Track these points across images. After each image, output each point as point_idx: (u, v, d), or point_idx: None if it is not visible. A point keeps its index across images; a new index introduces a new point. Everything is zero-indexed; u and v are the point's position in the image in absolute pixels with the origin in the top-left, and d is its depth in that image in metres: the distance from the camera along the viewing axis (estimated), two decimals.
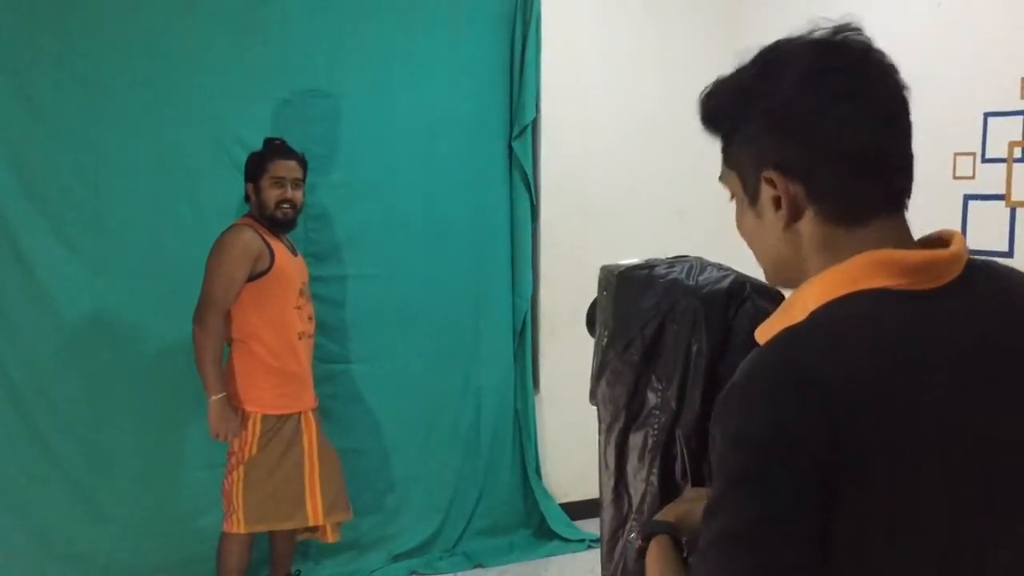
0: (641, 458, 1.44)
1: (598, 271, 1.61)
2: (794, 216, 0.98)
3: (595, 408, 1.58)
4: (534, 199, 4.23)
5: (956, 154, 3.50)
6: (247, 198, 3.29)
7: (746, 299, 1.41)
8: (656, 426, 1.41)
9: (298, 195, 3.28)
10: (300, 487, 3.22)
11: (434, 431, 4.06)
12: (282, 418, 3.21)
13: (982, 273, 0.98)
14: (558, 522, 4.24)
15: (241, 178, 3.33)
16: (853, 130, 0.94)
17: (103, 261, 3.43)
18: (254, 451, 3.16)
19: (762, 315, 1.24)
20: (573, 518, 4.30)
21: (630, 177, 4.48)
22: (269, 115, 3.64)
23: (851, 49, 0.97)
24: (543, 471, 4.35)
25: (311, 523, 3.26)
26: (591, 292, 1.81)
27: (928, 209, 3.79)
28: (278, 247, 3.22)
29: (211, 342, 3.09)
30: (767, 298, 1.40)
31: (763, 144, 0.98)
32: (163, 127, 3.49)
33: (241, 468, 3.16)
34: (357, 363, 3.90)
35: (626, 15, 4.48)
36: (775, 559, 0.83)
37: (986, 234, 3.42)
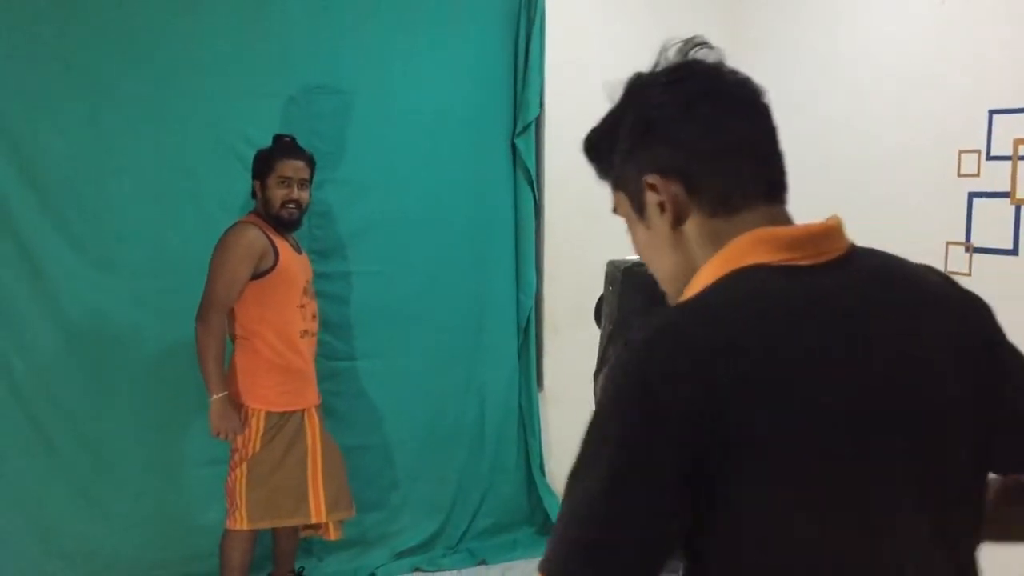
0: None
1: (605, 265, 1.60)
2: (679, 216, 1.05)
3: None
4: (537, 196, 4.23)
5: (961, 151, 3.49)
6: (254, 195, 3.29)
7: None
8: None
9: (304, 195, 3.28)
10: (303, 484, 3.22)
11: (438, 428, 4.06)
12: (285, 415, 3.21)
13: (864, 256, 1.04)
14: None
15: (246, 175, 3.33)
16: (717, 127, 1.03)
17: (107, 258, 3.44)
18: (257, 448, 3.16)
19: None
20: None
21: None
22: (274, 112, 3.64)
23: (702, 62, 1.07)
24: (547, 468, 4.35)
25: (313, 520, 3.26)
26: (594, 290, 1.79)
27: (932, 206, 3.78)
28: (283, 245, 3.22)
29: (213, 341, 3.09)
30: None
31: (640, 156, 1.06)
32: (167, 123, 3.49)
33: (244, 465, 3.16)
34: (361, 360, 3.90)
35: (628, 13, 4.47)
36: (627, 517, 0.89)
37: (991, 232, 3.41)
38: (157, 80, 3.46)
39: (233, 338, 3.22)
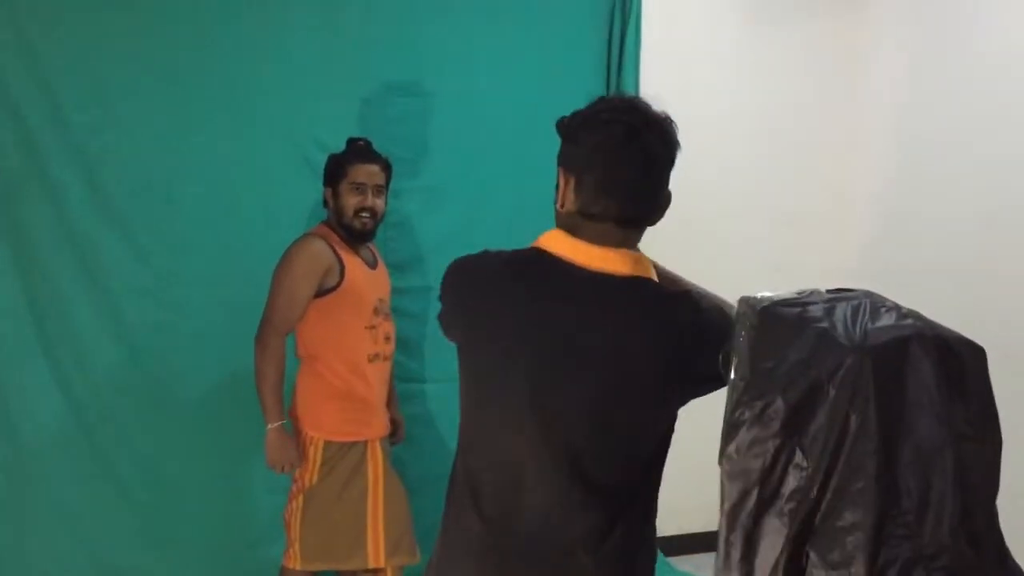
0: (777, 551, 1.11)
1: (737, 303, 1.28)
2: (562, 201, 1.53)
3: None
4: None
5: None
6: (325, 203, 3.05)
7: (913, 357, 1.06)
8: (798, 518, 1.08)
9: (379, 203, 3.02)
10: (361, 524, 2.94)
11: None
12: (345, 446, 2.95)
13: (626, 285, 1.48)
14: (660, 564, 3.89)
15: (317, 183, 3.10)
16: (600, 162, 1.48)
17: (171, 270, 3.23)
18: (314, 479, 2.92)
19: (944, 380, 0.97)
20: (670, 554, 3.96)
21: (736, 181, 4.19)
22: (347, 115, 3.39)
23: (621, 112, 1.50)
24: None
25: (371, 565, 2.95)
26: None
27: None
28: (351, 261, 2.96)
29: (271, 365, 2.86)
30: (950, 355, 1.06)
31: (562, 149, 1.55)
32: (234, 127, 3.26)
33: (301, 497, 2.93)
34: (438, 383, 3.59)
35: (732, 7, 4.15)
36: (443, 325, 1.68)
37: None
38: (224, 82, 3.24)
39: (299, 357, 2.99)
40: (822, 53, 4.29)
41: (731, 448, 1.14)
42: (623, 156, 1.46)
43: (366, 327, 2.96)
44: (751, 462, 1.12)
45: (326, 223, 3.03)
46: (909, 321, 1.09)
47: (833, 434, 1.06)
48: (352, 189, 2.96)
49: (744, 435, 1.12)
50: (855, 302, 1.14)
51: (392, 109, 3.49)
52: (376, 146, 3.12)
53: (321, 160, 3.11)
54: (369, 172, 3.00)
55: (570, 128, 1.52)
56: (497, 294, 1.53)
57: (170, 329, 3.24)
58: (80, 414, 3.15)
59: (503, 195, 3.65)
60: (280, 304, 2.87)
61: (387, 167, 3.08)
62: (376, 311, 3.01)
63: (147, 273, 3.21)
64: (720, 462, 1.17)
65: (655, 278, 1.53)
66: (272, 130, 3.31)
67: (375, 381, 3.02)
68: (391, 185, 3.15)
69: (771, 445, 1.10)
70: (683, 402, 1.48)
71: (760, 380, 1.13)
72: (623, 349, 1.42)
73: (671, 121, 1.53)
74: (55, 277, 3.11)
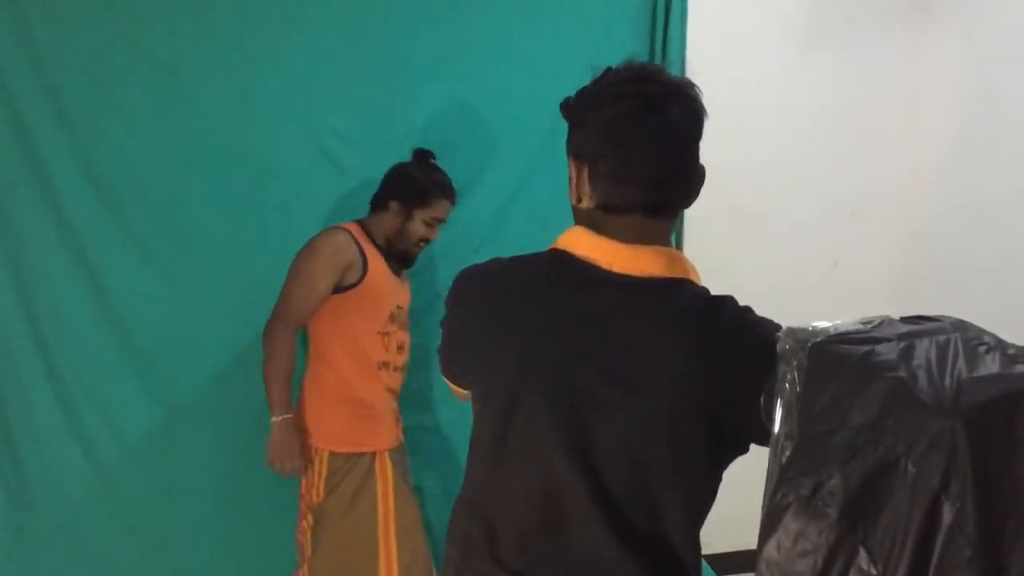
0: None
1: (782, 336, 0.97)
2: (579, 194, 1.34)
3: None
4: None
5: None
6: (380, 206, 2.87)
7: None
8: None
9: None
10: (372, 542, 2.75)
11: None
12: (352, 457, 2.76)
13: (662, 288, 1.27)
14: None
15: (335, 175, 3.00)
16: (614, 145, 1.28)
17: (179, 271, 2.99)
18: (320, 495, 2.74)
19: None
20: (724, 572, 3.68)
21: (789, 167, 3.93)
22: (367, 102, 3.14)
23: (632, 84, 1.29)
24: None
25: None
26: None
27: None
28: (376, 261, 2.80)
29: (279, 358, 2.69)
30: None
31: (570, 135, 1.37)
32: (245, 115, 3.01)
33: (310, 515, 2.75)
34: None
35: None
36: (442, 351, 1.51)
37: None
38: (235, 65, 2.99)
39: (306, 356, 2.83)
40: (883, 31, 4.03)
41: (770, 546, 0.84)
42: (640, 135, 1.26)
43: (379, 332, 2.80)
44: (797, 563, 0.81)
45: (362, 224, 2.86)
46: (1021, 368, 0.80)
47: (912, 530, 0.76)
48: (428, 223, 2.87)
49: (788, 526, 0.82)
50: (941, 338, 0.83)
51: (417, 94, 3.22)
52: (393, 136, 3.01)
53: (339, 151, 2.98)
54: (448, 210, 2.92)
55: (575, 109, 1.33)
56: (512, 308, 1.32)
57: (177, 333, 3.00)
58: (78, 424, 2.94)
59: (535, 189, 3.37)
60: (296, 295, 2.70)
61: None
62: (392, 318, 2.84)
63: (152, 274, 2.98)
64: (757, 566, 0.87)
65: (695, 278, 1.31)
66: (285, 118, 3.05)
67: (382, 388, 2.84)
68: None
69: (825, 541, 0.80)
70: (728, 448, 1.23)
71: (810, 449, 0.82)
72: (656, 370, 1.20)
73: (693, 86, 1.31)
74: (54, 280, 2.89)
